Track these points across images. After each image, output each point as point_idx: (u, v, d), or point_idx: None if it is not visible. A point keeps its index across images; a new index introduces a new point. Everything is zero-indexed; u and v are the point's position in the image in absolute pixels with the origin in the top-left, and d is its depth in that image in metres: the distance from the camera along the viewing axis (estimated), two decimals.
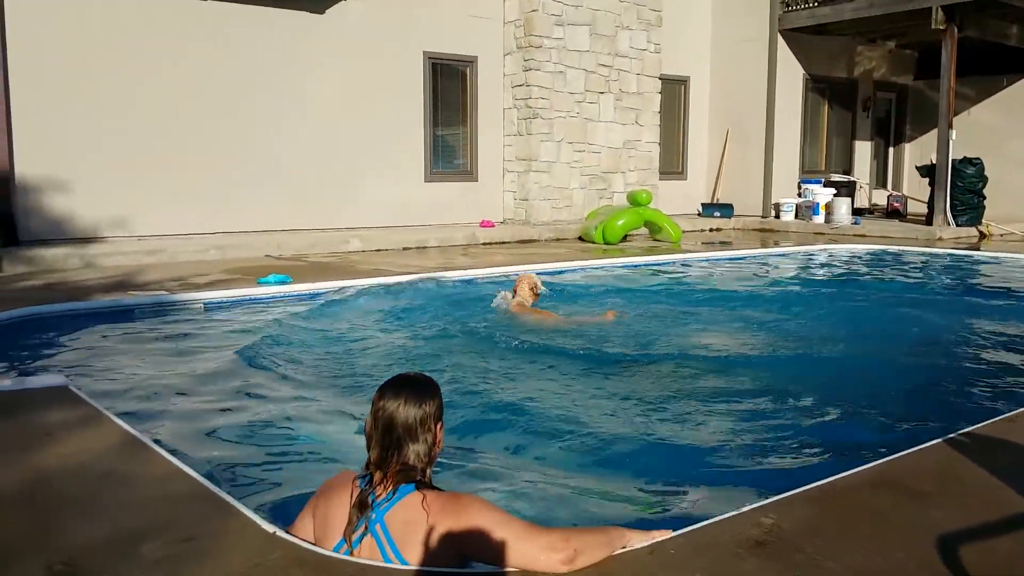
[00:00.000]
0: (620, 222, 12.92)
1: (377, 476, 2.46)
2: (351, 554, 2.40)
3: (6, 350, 5.63)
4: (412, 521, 2.35)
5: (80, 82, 10.32)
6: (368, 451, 2.50)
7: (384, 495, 2.41)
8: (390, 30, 12.76)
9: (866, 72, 18.16)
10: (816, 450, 3.91)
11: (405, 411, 2.44)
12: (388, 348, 5.96)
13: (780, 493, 3.05)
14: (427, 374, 2.65)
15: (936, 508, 2.97)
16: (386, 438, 2.44)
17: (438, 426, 2.52)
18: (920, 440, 3.65)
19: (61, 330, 6.26)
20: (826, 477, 3.20)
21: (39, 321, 6.42)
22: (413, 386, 2.50)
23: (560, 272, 9.75)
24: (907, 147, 19.47)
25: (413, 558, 2.34)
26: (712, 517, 2.83)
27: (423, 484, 2.44)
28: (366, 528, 2.38)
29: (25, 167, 10.02)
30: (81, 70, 10.32)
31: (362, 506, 2.41)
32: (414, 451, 2.44)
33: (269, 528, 2.68)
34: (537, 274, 7.54)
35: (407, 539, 2.35)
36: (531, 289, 7.10)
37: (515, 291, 7.11)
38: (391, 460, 2.44)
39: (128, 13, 10.59)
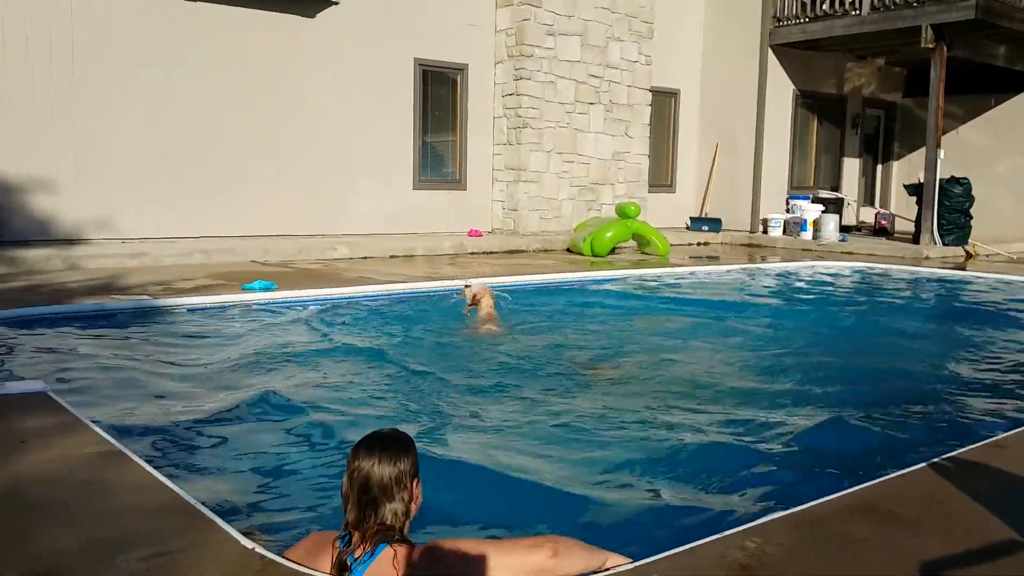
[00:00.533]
0: (608, 234, 12.92)
1: (356, 537, 2.45)
2: None
3: None
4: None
5: (67, 81, 10.24)
6: (345, 512, 2.49)
7: (362, 556, 2.40)
8: (381, 36, 12.74)
9: (855, 89, 18.27)
10: (799, 473, 3.90)
11: (380, 471, 2.44)
12: (374, 358, 5.92)
13: (764, 516, 3.04)
14: (400, 429, 2.63)
15: (919, 535, 2.95)
16: (362, 498, 2.44)
17: (414, 482, 2.51)
18: (904, 464, 3.65)
19: (42, 333, 6.19)
20: (810, 501, 3.19)
21: (19, 323, 6.35)
22: (387, 444, 2.50)
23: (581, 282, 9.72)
24: (895, 165, 19.58)
25: None
26: (696, 540, 2.81)
27: (397, 540, 2.43)
28: None
29: (8, 165, 9.94)
30: (69, 69, 10.24)
31: (342, 568, 2.41)
32: (391, 510, 2.44)
33: (248, 544, 2.64)
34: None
35: None
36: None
37: (477, 301, 7.07)
38: (368, 520, 2.44)
39: (118, 14, 10.53)
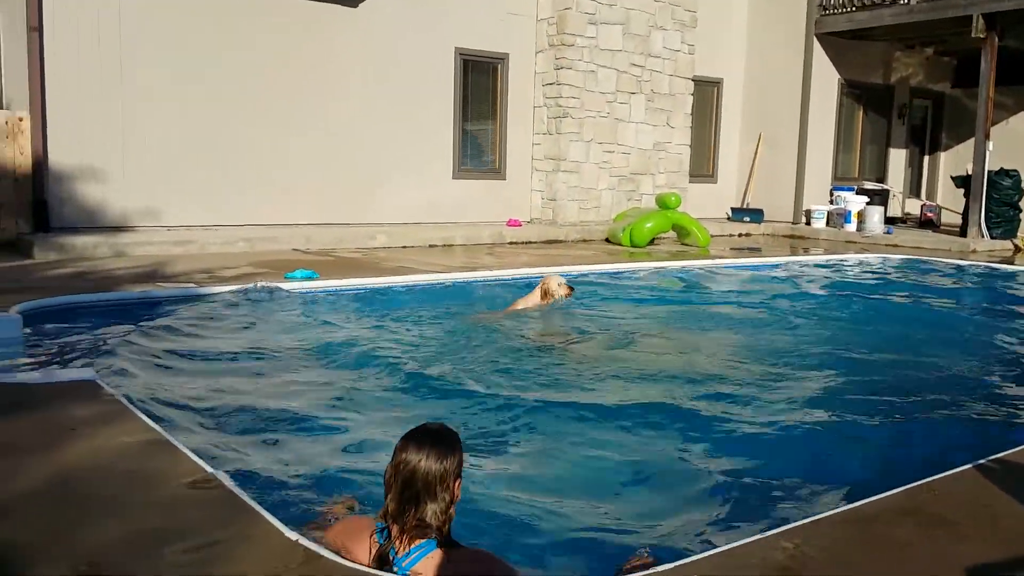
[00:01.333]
0: (648, 225, 12.85)
1: (394, 530, 2.47)
2: None
3: (35, 340, 5.69)
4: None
5: (115, 72, 10.41)
6: (385, 500, 2.50)
7: (404, 552, 2.43)
8: (422, 25, 12.75)
9: (903, 79, 17.92)
10: (843, 473, 3.86)
11: (426, 466, 2.44)
12: (424, 350, 5.96)
13: (806, 517, 3.01)
14: (449, 426, 2.63)
15: (963, 539, 2.92)
16: (405, 492, 2.44)
17: (456, 483, 2.51)
18: (950, 465, 3.60)
19: (90, 320, 6.32)
20: (853, 502, 3.16)
21: (69, 311, 6.48)
22: (436, 441, 2.50)
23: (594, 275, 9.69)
24: (942, 156, 19.20)
25: None
26: (738, 540, 2.80)
27: (445, 541, 2.45)
28: None
29: (59, 155, 10.13)
30: (116, 60, 10.40)
31: (382, 561, 2.43)
32: (432, 509, 2.45)
33: (292, 535, 2.68)
34: (565, 276, 7.54)
35: None
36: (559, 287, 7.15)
37: (548, 292, 7.12)
38: (408, 514, 2.45)
39: (165, 5, 10.66)
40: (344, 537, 2.63)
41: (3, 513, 2.82)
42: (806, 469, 3.90)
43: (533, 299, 7.15)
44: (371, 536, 2.52)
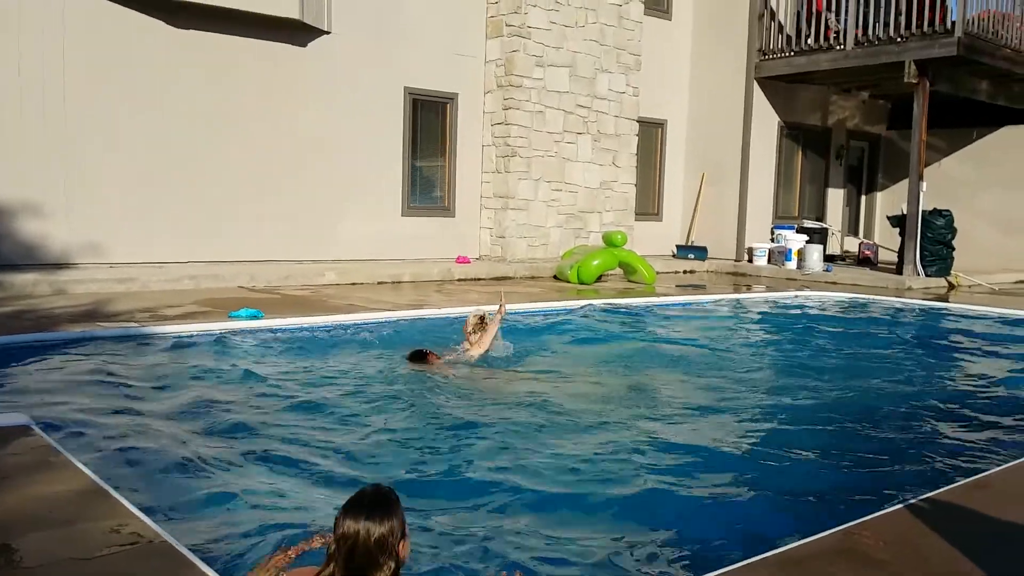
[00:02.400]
0: (595, 262, 13.00)
1: None
2: None
3: None
4: None
5: (58, 106, 10.27)
6: (331, 568, 2.47)
7: None
8: (372, 65, 12.84)
9: (840, 121, 18.49)
10: (777, 513, 3.93)
11: (367, 534, 2.43)
12: (364, 390, 5.94)
13: (746, 559, 3.06)
14: (384, 487, 2.62)
15: None
16: (350, 564, 2.44)
17: (402, 543, 2.52)
18: (881, 504, 3.69)
19: (26, 361, 6.18)
20: (791, 542, 3.22)
21: (3, 351, 6.33)
22: (372, 509, 2.49)
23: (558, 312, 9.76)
24: (879, 196, 19.78)
25: None
26: None
27: None
28: None
29: None
30: (59, 94, 10.27)
31: None
32: (377, 572, 2.45)
33: None
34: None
35: None
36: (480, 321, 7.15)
37: (483, 328, 7.08)
38: None
39: (110, 41, 10.58)
40: None
41: None
42: (740, 511, 3.97)
43: (479, 342, 7.07)
44: None
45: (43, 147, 10.20)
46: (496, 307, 7.19)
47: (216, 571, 2.76)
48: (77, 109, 10.40)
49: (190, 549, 2.94)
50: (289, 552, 3.05)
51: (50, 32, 10.15)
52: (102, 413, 4.99)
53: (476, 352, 6.85)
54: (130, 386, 5.71)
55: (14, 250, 10.11)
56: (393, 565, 2.47)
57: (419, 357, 6.64)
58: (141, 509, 3.27)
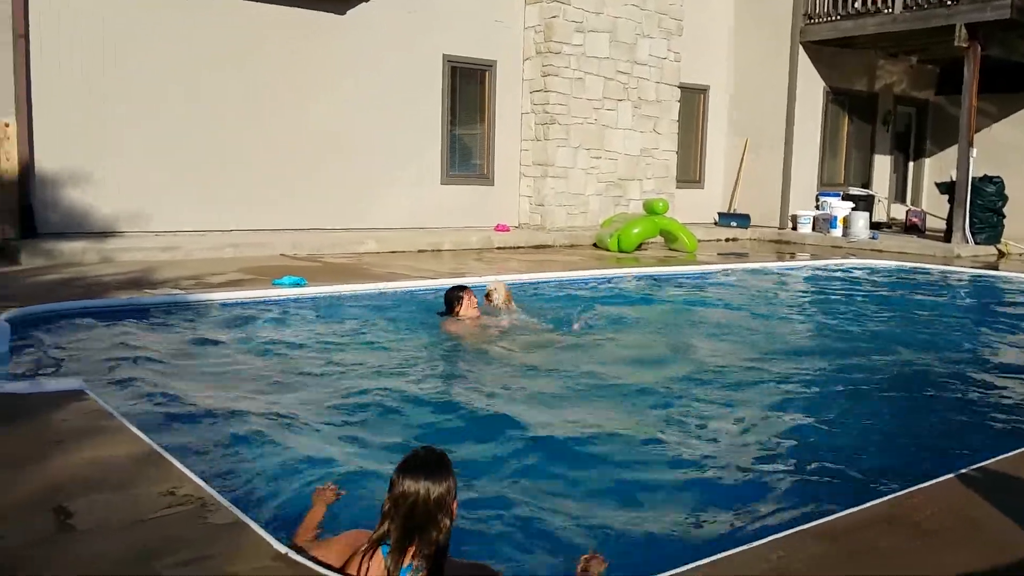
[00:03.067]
0: (635, 230, 12.90)
1: (397, 555, 2.50)
2: None
3: (22, 348, 5.67)
4: None
5: (101, 77, 10.38)
6: (386, 527, 2.53)
7: (406, 564, 2.48)
8: (411, 33, 12.78)
9: (887, 86, 18.07)
10: (826, 483, 3.89)
11: (427, 493, 2.51)
12: (405, 357, 5.98)
13: (790, 528, 3.05)
14: (438, 449, 2.68)
15: (946, 549, 2.96)
16: (408, 523, 2.50)
17: (454, 504, 2.59)
18: (933, 475, 3.64)
19: (78, 328, 6.30)
20: (837, 512, 3.19)
21: (57, 318, 6.46)
22: (431, 467, 2.57)
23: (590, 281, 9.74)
24: (927, 162, 19.36)
25: None
26: (721, 552, 2.83)
27: (444, 558, 2.51)
28: None
29: (45, 160, 10.09)
30: (101, 65, 10.38)
31: None
32: (436, 531, 2.51)
33: (281, 548, 2.69)
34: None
35: None
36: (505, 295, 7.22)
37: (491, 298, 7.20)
38: (413, 539, 2.50)
39: (150, 9, 10.65)
40: (342, 552, 2.64)
41: None
42: (789, 480, 3.94)
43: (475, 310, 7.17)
44: (367, 554, 2.53)
45: (88, 118, 10.32)
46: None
47: (268, 531, 2.80)
48: (120, 80, 10.50)
49: (241, 509, 2.99)
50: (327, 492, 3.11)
51: (92, 0, 10.23)
52: (152, 378, 5.08)
53: (506, 322, 6.92)
54: (178, 352, 5.80)
55: (62, 219, 10.28)
56: (448, 523, 2.53)
57: (453, 299, 6.89)
58: (193, 471, 3.33)
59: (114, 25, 10.41)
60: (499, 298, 7.20)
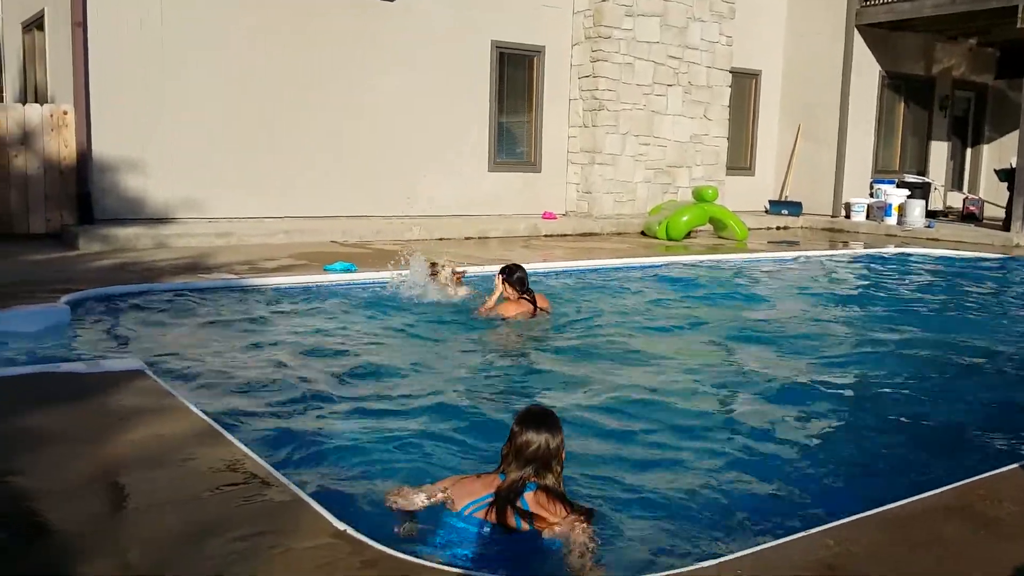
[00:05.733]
0: (684, 218, 12.77)
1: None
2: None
3: (82, 330, 5.80)
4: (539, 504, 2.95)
5: (156, 65, 10.54)
6: (505, 464, 3.02)
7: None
8: (459, 18, 12.77)
9: (945, 70, 17.62)
10: (887, 471, 3.82)
11: (546, 443, 2.99)
12: (448, 343, 6.00)
13: (850, 515, 2.99)
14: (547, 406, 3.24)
15: (1011, 539, 2.88)
16: (526, 467, 2.98)
17: (562, 454, 3.06)
18: (997, 463, 3.55)
19: (136, 311, 6.43)
20: (899, 500, 3.13)
21: (115, 301, 6.60)
22: (548, 420, 3.06)
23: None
24: (985, 149, 18.86)
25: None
26: (782, 538, 2.79)
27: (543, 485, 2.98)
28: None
29: (102, 147, 10.29)
30: (158, 54, 10.54)
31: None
32: (550, 473, 2.99)
33: (340, 525, 2.71)
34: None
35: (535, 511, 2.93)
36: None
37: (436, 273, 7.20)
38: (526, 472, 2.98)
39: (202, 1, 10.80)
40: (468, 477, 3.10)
41: (55, 502, 2.88)
42: (850, 466, 3.88)
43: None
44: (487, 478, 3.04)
45: (143, 106, 10.49)
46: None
47: (328, 510, 2.82)
48: (175, 68, 10.65)
49: (301, 487, 3.02)
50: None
51: None
52: (210, 359, 5.16)
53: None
54: (233, 334, 5.89)
55: (118, 205, 10.48)
56: (560, 469, 3.02)
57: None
58: (252, 449, 3.37)
59: (170, 13, 10.55)
60: (446, 276, 7.20)
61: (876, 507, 3.06)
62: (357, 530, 2.69)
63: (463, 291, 7.20)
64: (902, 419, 4.59)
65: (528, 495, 2.94)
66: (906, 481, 3.54)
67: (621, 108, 13.81)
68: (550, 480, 2.98)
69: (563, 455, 3.05)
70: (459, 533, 2.92)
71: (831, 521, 2.95)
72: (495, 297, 6.65)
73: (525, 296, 6.62)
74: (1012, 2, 13.34)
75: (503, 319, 6.51)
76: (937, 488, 3.26)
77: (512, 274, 6.64)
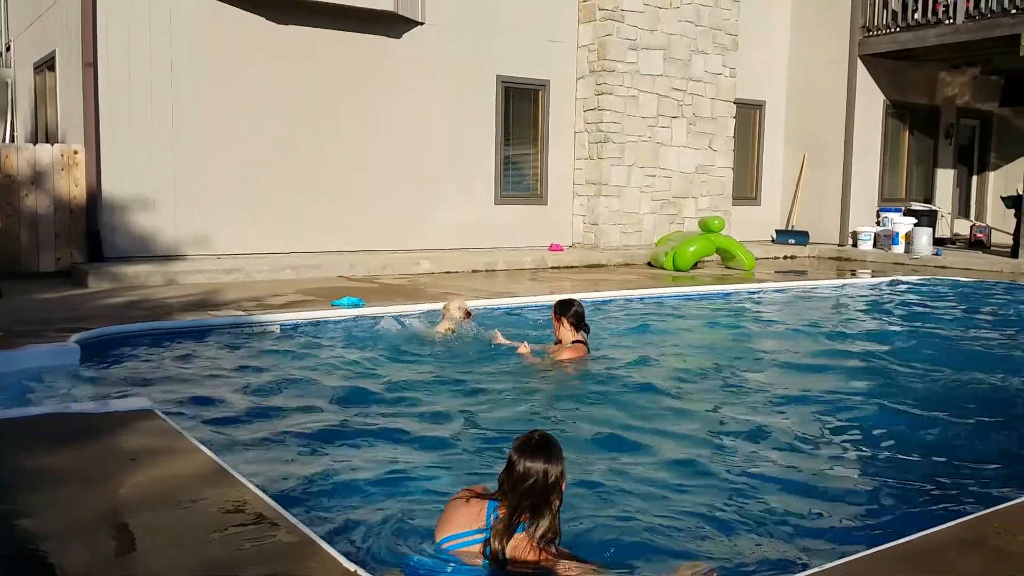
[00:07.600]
0: (691, 249, 12.79)
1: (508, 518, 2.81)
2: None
3: (92, 369, 5.81)
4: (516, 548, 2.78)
5: (166, 105, 10.66)
6: (502, 493, 2.84)
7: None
8: (465, 54, 12.90)
9: (949, 98, 17.69)
10: (900, 503, 3.78)
11: (545, 474, 2.80)
12: (468, 374, 5.99)
13: (866, 549, 2.96)
14: (549, 433, 2.97)
15: None
16: (524, 501, 2.78)
17: (563, 484, 2.87)
18: (1012, 495, 3.52)
19: (146, 349, 6.44)
20: (911, 534, 3.10)
21: (124, 340, 6.61)
22: (549, 450, 2.86)
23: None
24: (991, 176, 18.87)
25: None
26: (795, 573, 2.76)
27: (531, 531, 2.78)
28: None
29: (111, 186, 10.38)
30: (168, 93, 10.66)
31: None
32: (547, 507, 2.79)
33: (350, 566, 2.69)
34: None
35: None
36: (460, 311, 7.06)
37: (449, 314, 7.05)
38: (524, 512, 2.79)
39: (209, 36, 10.92)
40: (459, 500, 2.96)
41: (64, 543, 2.87)
42: (865, 500, 3.84)
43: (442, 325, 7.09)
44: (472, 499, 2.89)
45: (153, 145, 10.60)
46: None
47: (337, 549, 2.81)
48: (184, 107, 10.77)
49: (309, 527, 3.01)
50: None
51: (157, 31, 10.53)
52: (219, 397, 5.16)
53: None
54: (243, 372, 5.89)
55: (127, 243, 10.55)
56: (558, 503, 2.82)
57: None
58: (261, 490, 3.36)
59: (181, 54, 10.69)
60: (458, 315, 7.11)
61: (889, 541, 3.02)
62: (368, 571, 2.67)
63: (467, 325, 7.12)
64: (914, 452, 4.55)
65: (516, 536, 2.77)
66: (918, 513, 3.50)
67: (626, 140, 13.89)
68: (545, 520, 2.78)
69: (564, 485, 2.86)
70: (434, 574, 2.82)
71: (844, 556, 2.92)
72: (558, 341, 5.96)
73: (580, 338, 5.82)
74: (1015, 31, 13.42)
75: (555, 363, 5.90)
76: (951, 521, 3.22)
77: (569, 309, 5.83)
